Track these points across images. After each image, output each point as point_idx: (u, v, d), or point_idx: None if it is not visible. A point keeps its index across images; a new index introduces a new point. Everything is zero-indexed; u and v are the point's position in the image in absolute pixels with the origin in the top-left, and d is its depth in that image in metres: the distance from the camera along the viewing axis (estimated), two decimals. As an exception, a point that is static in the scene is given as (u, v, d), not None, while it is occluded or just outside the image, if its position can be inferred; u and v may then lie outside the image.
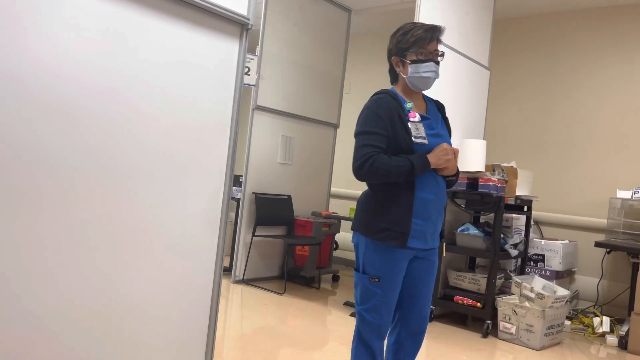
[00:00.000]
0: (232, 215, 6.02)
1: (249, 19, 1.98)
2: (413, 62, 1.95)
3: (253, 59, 4.55)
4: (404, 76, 1.98)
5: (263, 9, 4.63)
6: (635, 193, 4.20)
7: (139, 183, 1.71)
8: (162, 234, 1.78)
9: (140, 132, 1.70)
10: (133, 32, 1.65)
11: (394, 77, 2.04)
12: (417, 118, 1.94)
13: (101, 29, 1.57)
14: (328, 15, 5.29)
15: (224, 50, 1.94)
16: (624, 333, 3.76)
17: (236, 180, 5.59)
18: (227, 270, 5.01)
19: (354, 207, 4.27)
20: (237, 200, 4.81)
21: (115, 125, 1.63)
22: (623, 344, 3.73)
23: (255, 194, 4.72)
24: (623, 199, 4.26)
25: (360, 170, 1.86)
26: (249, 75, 4.50)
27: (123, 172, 1.66)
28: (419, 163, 1.85)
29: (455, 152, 1.94)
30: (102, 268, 1.64)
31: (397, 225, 1.87)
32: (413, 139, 1.89)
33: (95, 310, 1.64)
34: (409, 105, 1.96)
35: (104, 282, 1.65)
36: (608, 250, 4.40)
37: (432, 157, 1.88)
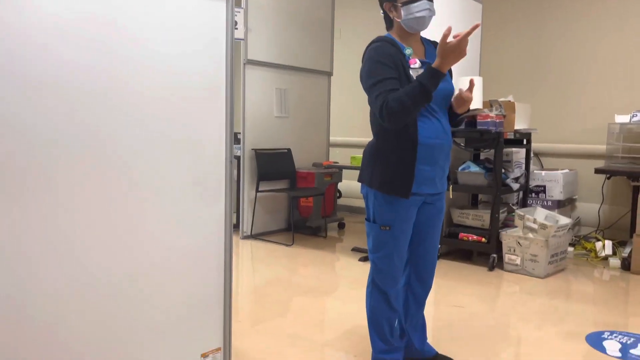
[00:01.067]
0: (235, 173, 6.03)
1: (233, -28, 1.92)
2: (404, 4, 1.90)
3: (239, 12, 4.44)
4: (399, 20, 1.93)
5: (244, -42, 4.47)
6: (633, 117, 4.20)
7: (140, 152, 1.71)
8: (169, 200, 1.81)
9: (132, 97, 1.69)
10: (117, -3, 1.61)
11: (389, 23, 2.00)
12: (418, 64, 1.91)
13: (84, -3, 1.54)
14: (312, -42, 5.11)
15: (211, 5, 1.89)
16: (626, 255, 3.86)
17: (234, 138, 5.57)
18: (235, 227, 5.08)
19: (355, 155, 4.30)
20: (238, 158, 4.82)
21: (105, 94, 1.62)
22: (626, 265, 3.84)
23: (255, 150, 4.73)
24: (621, 124, 4.26)
25: (383, 120, 1.81)
26: (237, 29, 4.40)
27: (120, 143, 1.67)
28: (426, 76, 1.75)
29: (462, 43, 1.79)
30: (116, 237, 1.68)
31: (401, 176, 1.88)
32: None
33: (112, 278, 1.69)
34: (408, 51, 1.93)
35: (119, 250, 1.69)
36: (608, 175, 4.45)
37: (438, 62, 1.76)
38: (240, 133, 4.70)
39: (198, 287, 1.95)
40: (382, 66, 1.84)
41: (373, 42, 1.94)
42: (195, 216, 1.89)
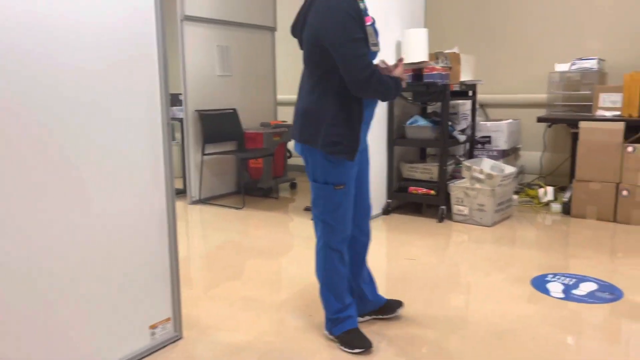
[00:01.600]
0: (179, 136, 5.84)
1: None
2: None
3: (172, -36, 4.15)
4: None
5: None
6: (572, 65, 4.29)
7: (70, 120, 1.57)
8: (104, 168, 1.68)
9: (55, 63, 1.53)
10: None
11: None
12: (371, 21, 1.83)
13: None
14: None
15: (134, -46, 1.73)
16: (566, 199, 4.02)
17: (176, 100, 5.35)
18: (182, 193, 4.95)
19: (302, 112, 4.20)
20: (181, 120, 4.63)
21: (25, 67, 1.46)
22: (566, 210, 4.01)
23: (199, 111, 4.55)
24: (561, 72, 4.36)
25: (369, 81, 1.74)
26: (170, -17, 4.12)
27: (50, 111, 1.52)
28: (396, 85, 1.83)
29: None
30: (49, 207, 1.55)
31: (350, 139, 1.86)
32: (371, 47, 1.81)
33: (48, 252, 1.57)
34: (362, 5, 1.82)
35: (54, 222, 1.57)
36: (549, 124, 4.57)
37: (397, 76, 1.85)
38: (181, 94, 4.49)
39: (141, 257, 1.86)
40: (355, 22, 1.74)
41: None
42: (133, 183, 1.78)
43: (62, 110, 1.55)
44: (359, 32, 1.74)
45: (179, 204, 4.60)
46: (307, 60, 1.87)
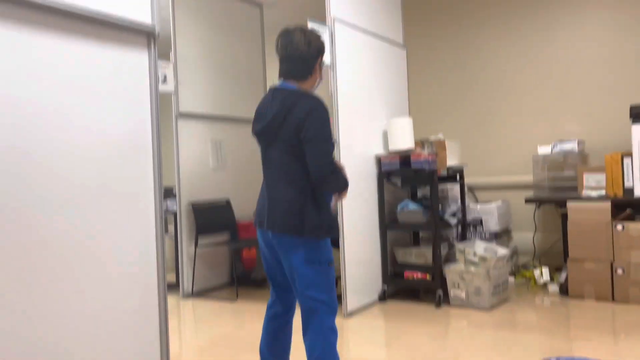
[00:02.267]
0: (172, 228, 5.83)
1: (154, 27, 1.89)
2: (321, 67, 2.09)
3: (168, 66, 4.40)
4: (319, 78, 2.09)
5: (171, 13, 4.48)
6: (554, 147, 4.45)
7: (65, 212, 1.60)
8: (97, 263, 1.68)
9: (56, 158, 1.59)
10: (35, 56, 1.53)
11: (305, 74, 2.06)
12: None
13: (1, 56, 1.45)
14: (240, 12, 5.20)
15: (133, 62, 1.85)
16: (563, 280, 3.99)
17: (170, 193, 5.42)
18: (175, 287, 4.86)
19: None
20: (174, 213, 4.66)
21: (25, 156, 1.51)
22: (564, 290, 3.96)
23: (192, 203, 4.60)
24: (544, 155, 4.50)
25: (332, 175, 1.97)
26: (166, 82, 4.34)
27: (41, 208, 1.55)
28: (345, 181, 2.08)
29: None
30: (39, 309, 1.53)
31: (331, 220, 2.05)
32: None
33: (33, 348, 1.52)
34: None
35: (45, 325, 1.53)
36: (537, 204, 4.65)
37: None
38: (175, 187, 4.56)
39: (131, 355, 1.80)
40: (330, 126, 2.01)
41: (316, 98, 2.02)
42: (124, 278, 1.77)
43: (56, 205, 1.58)
44: (331, 134, 2.00)
45: (172, 298, 4.51)
46: (288, 154, 2.00)
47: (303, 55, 2.02)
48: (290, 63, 2.02)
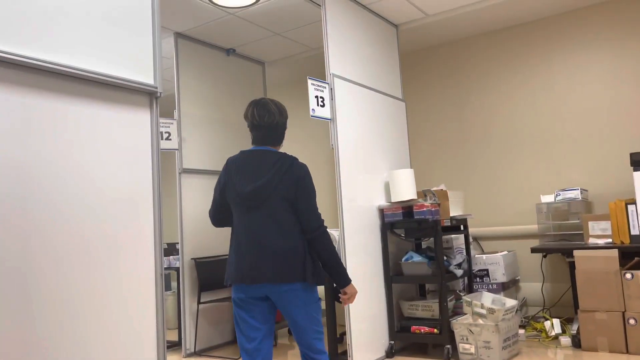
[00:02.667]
0: (175, 285, 5.77)
1: (156, 87, 1.95)
2: None
3: (172, 123, 4.49)
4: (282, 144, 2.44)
5: (175, 72, 4.62)
6: (557, 196, 4.44)
7: (62, 272, 1.59)
8: (95, 321, 1.66)
9: (56, 214, 1.60)
10: (39, 118, 1.57)
11: (280, 140, 2.41)
12: None
13: (9, 118, 1.49)
14: (243, 70, 5.36)
15: (135, 121, 1.89)
16: (575, 332, 3.88)
17: (173, 249, 5.40)
18: (177, 345, 4.75)
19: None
20: (177, 269, 4.62)
21: (28, 213, 1.53)
22: (576, 342, 3.84)
23: (195, 259, 4.56)
24: (548, 203, 4.49)
25: (323, 227, 2.22)
26: (170, 140, 4.42)
27: (43, 264, 1.55)
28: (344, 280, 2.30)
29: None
30: (28, 373, 1.49)
31: (320, 268, 2.27)
32: None
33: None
34: None
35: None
36: (544, 254, 4.59)
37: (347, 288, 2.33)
38: (178, 243, 4.55)
39: (128, 422, 1.74)
40: None
41: (301, 162, 2.30)
42: (121, 340, 1.73)
43: (55, 258, 1.58)
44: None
45: (174, 357, 4.39)
46: (284, 210, 2.18)
47: (279, 123, 2.34)
48: (267, 130, 2.30)
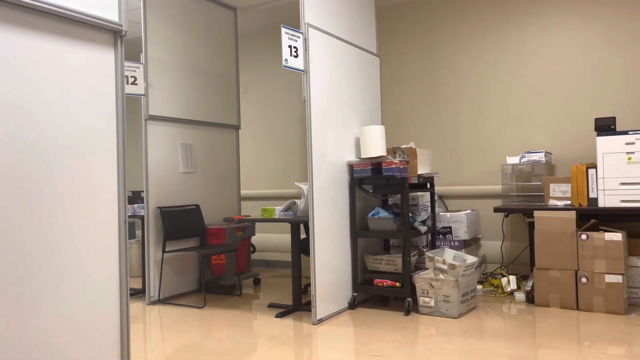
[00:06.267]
0: (140, 234, 5.72)
1: (121, 25, 1.84)
2: None
3: (139, 67, 4.32)
4: None
5: (142, 14, 4.40)
6: (522, 158, 4.53)
7: (20, 220, 1.53)
8: (56, 268, 1.62)
9: (11, 156, 1.52)
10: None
11: None
12: None
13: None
14: (213, 15, 5.15)
15: (98, 61, 1.79)
16: (529, 288, 4.06)
17: (138, 197, 5.31)
18: (141, 293, 4.75)
19: (266, 207, 4.23)
20: (142, 218, 4.56)
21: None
22: (530, 298, 4.02)
23: (160, 208, 4.50)
24: (513, 165, 4.58)
25: None
26: (136, 85, 4.26)
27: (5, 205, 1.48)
28: None
29: None
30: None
31: None
32: None
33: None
34: None
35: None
36: (506, 214, 4.72)
37: None
38: (143, 191, 4.47)
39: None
40: None
41: None
42: (83, 284, 1.70)
43: (12, 206, 1.52)
44: None
45: (137, 305, 4.40)
46: None
47: None
48: None
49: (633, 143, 3.76)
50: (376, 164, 4.00)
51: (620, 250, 3.66)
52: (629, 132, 3.78)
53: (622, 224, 4.24)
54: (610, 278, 3.68)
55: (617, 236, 3.68)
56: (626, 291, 3.72)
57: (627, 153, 3.77)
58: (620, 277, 3.65)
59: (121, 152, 1.83)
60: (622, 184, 3.79)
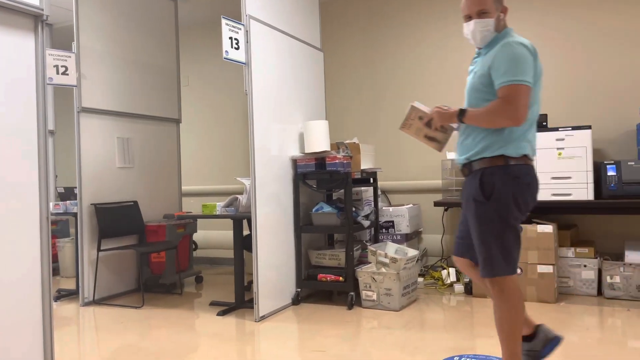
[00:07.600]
0: (73, 232, 5.45)
1: (42, 9, 1.72)
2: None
3: (70, 57, 4.09)
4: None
5: (74, 1, 4.18)
6: (461, 153, 4.64)
7: None
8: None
9: None
10: None
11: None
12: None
13: None
14: (153, 5, 4.96)
15: (15, 47, 1.66)
16: (467, 280, 4.17)
17: (71, 193, 5.06)
18: (75, 293, 4.53)
19: (208, 203, 4.12)
20: (75, 215, 4.34)
21: None
22: (469, 290, 4.15)
23: (95, 204, 4.30)
24: (452, 160, 4.69)
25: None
26: (67, 75, 4.04)
27: None
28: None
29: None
30: None
31: None
32: None
33: None
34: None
35: None
36: (445, 207, 4.84)
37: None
38: (76, 187, 4.25)
39: (9, 375, 1.61)
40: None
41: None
42: (4, 283, 1.58)
43: None
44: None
45: (70, 307, 4.19)
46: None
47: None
48: None
49: (563, 139, 3.93)
50: (320, 159, 3.98)
51: (551, 242, 3.83)
52: (559, 129, 3.96)
53: (553, 217, 4.43)
54: (542, 268, 3.84)
55: (548, 228, 3.84)
56: (557, 280, 3.90)
57: (558, 149, 3.95)
58: (551, 267, 3.82)
59: (42, 144, 1.71)
60: (553, 178, 3.96)
